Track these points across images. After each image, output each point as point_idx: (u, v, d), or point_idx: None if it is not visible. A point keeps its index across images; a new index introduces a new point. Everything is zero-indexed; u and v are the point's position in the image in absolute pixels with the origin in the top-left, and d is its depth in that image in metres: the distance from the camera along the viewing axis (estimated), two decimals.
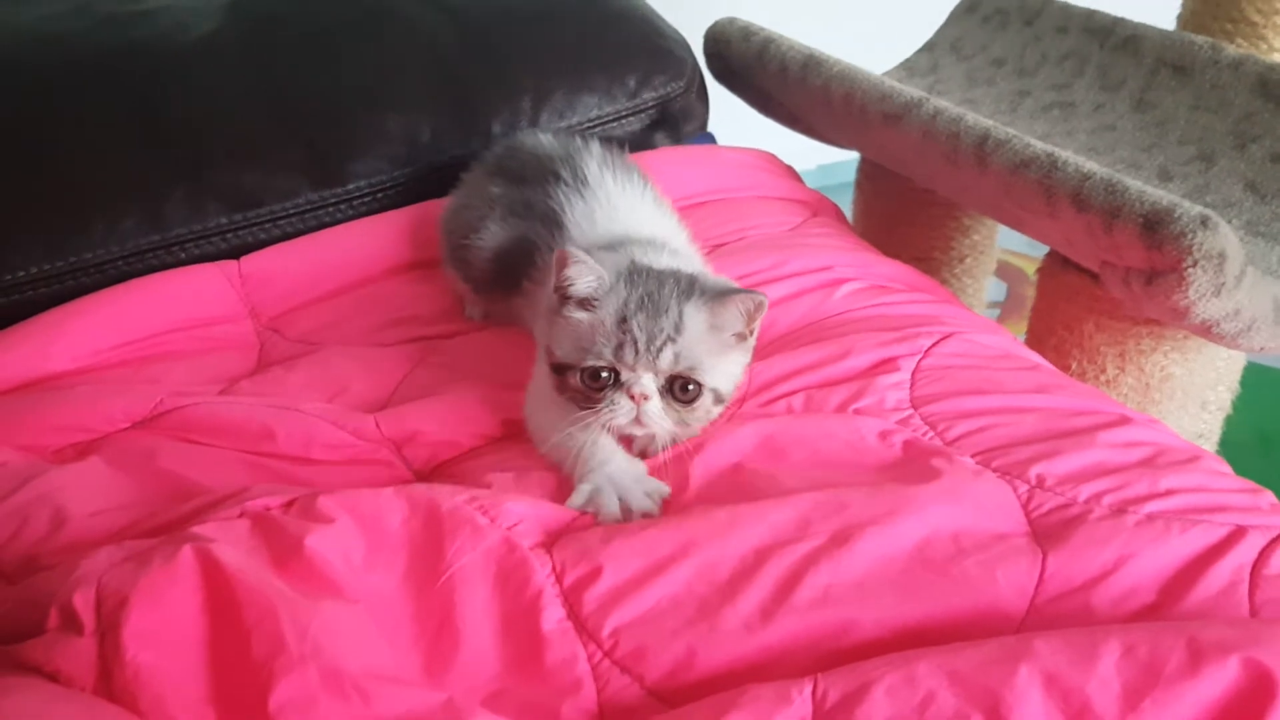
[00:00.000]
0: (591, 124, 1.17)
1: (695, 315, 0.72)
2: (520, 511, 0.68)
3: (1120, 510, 0.68)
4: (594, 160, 0.93)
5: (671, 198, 1.02)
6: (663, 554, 0.65)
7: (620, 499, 0.71)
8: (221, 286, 1.01)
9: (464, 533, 0.65)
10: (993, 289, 2.33)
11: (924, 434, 0.78)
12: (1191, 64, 1.22)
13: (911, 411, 0.81)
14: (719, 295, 0.73)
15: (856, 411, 0.81)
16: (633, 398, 0.71)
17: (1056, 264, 1.10)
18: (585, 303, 0.73)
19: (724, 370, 0.75)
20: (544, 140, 1.00)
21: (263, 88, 1.12)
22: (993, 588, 0.63)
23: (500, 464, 0.78)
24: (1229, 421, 1.91)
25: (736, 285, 0.77)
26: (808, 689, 0.55)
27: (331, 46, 1.17)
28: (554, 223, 0.88)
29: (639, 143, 1.19)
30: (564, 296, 0.73)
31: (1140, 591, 0.64)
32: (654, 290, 0.72)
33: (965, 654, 0.56)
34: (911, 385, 0.84)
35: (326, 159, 1.10)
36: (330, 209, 1.09)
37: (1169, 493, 0.70)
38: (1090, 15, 1.34)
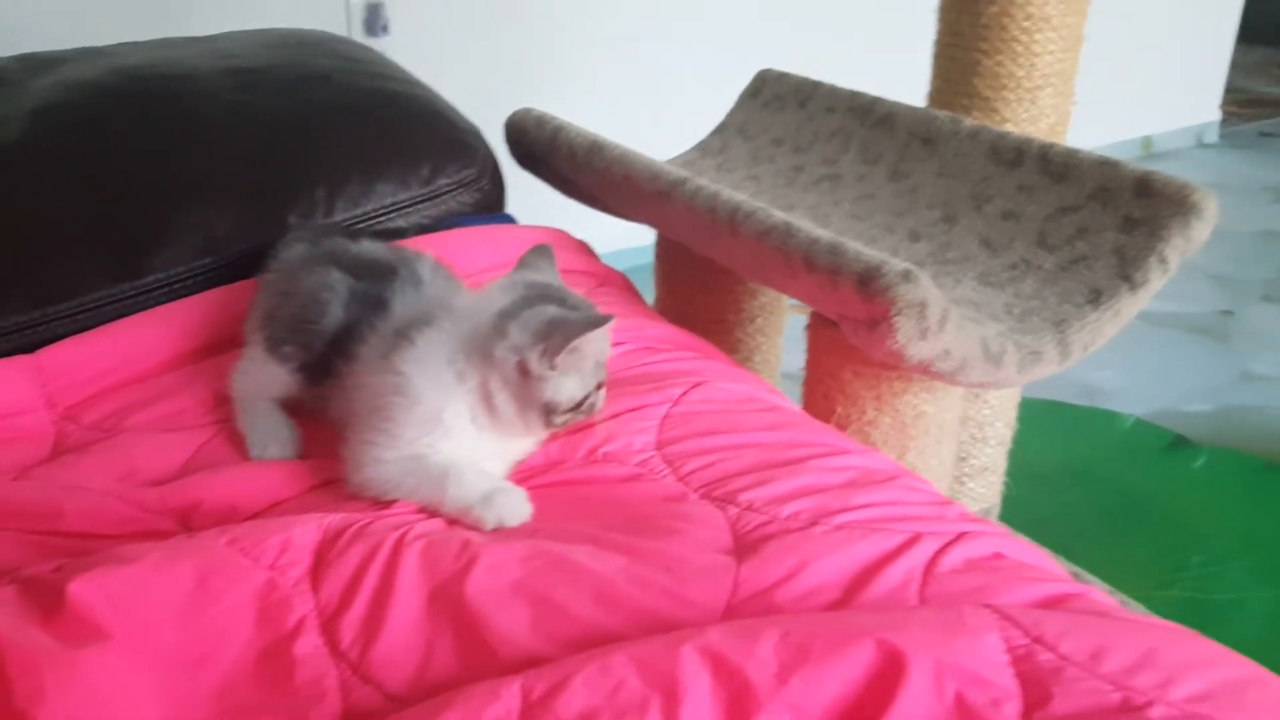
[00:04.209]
0: (387, 210, 1.30)
1: None
2: (281, 542, 0.78)
3: (813, 523, 0.82)
4: (426, 265, 1.06)
5: (466, 271, 1.15)
6: (410, 580, 0.77)
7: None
8: (15, 380, 1.08)
9: (227, 573, 0.75)
10: None
11: (662, 472, 0.92)
12: (936, 136, 1.42)
13: (654, 453, 0.94)
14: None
15: (606, 455, 0.94)
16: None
17: (818, 319, 1.26)
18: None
19: None
20: (376, 245, 1.11)
21: (63, 190, 1.22)
22: (689, 596, 0.76)
23: None
24: (1038, 456, 2.12)
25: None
26: (517, 685, 0.66)
27: (134, 149, 1.28)
28: (383, 306, 0.98)
29: (435, 224, 1.33)
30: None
31: (825, 590, 0.77)
32: None
33: (653, 644, 0.68)
34: (659, 430, 0.97)
35: (124, 254, 1.20)
36: (129, 301, 1.19)
37: (860, 507, 0.85)
38: (853, 96, 1.54)
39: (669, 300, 1.59)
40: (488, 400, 0.88)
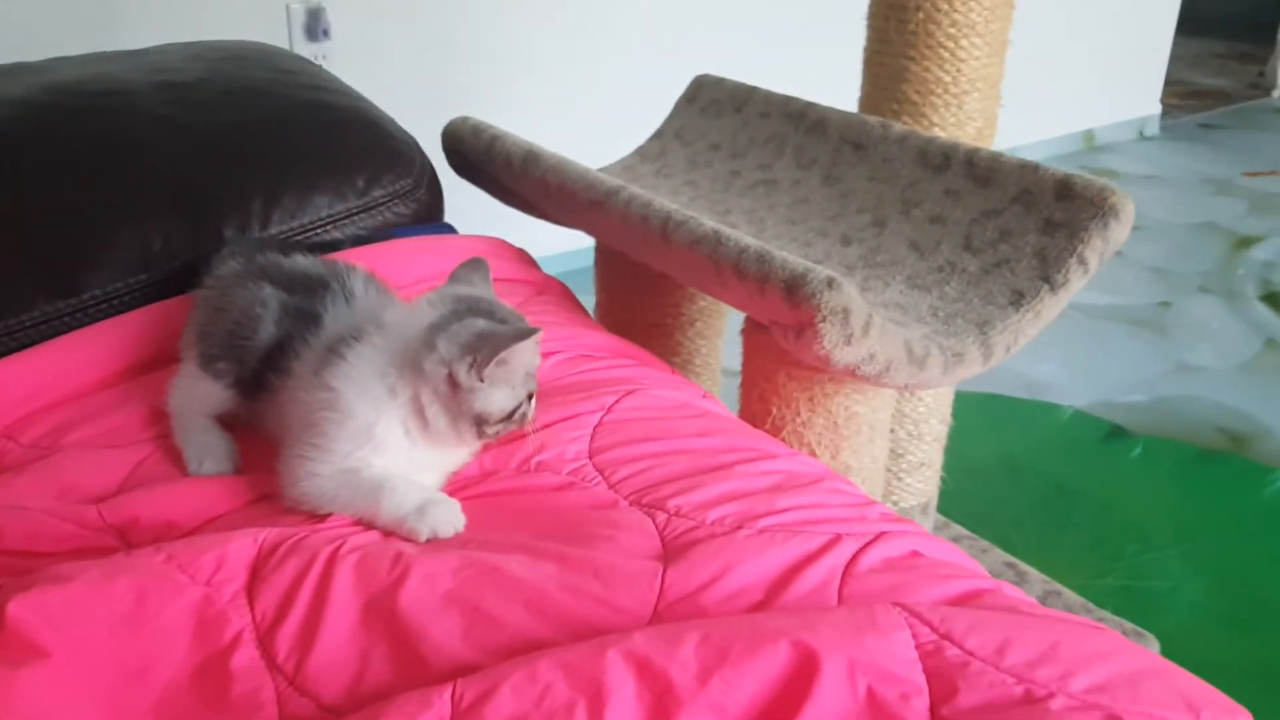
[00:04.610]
0: (323, 222, 1.32)
1: None
2: (217, 557, 0.80)
3: (738, 527, 0.86)
4: (359, 278, 1.08)
5: (404, 282, 1.17)
6: (345, 593, 0.79)
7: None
8: None
9: (164, 589, 0.78)
10: None
11: (594, 480, 0.95)
12: (867, 141, 1.46)
13: (586, 461, 0.97)
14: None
15: (539, 464, 0.97)
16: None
17: (752, 325, 1.30)
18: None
19: None
20: (309, 260, 1.12)
21: None
22: (618, 601, 0.79)
23: None
24: (977, 449, 2.18)
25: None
26: (448, 693, 0.69)
27: (68, 166, 1.28)
28: (315, 321, 1.00)
29: (373, 235, 1.35)
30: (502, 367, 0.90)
31: (748, 592, 0.81)
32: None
33: (579, 649, 0.71)
34: (591, 438, 1.01)
35: (61, 272, 1.21)
36: (66, 319, 1.20)
37: (784, 510, 0.89)
38: (787, 101, 1.58)
39: (609, 305, 1.63)
40: (420, 413, 0.91)
